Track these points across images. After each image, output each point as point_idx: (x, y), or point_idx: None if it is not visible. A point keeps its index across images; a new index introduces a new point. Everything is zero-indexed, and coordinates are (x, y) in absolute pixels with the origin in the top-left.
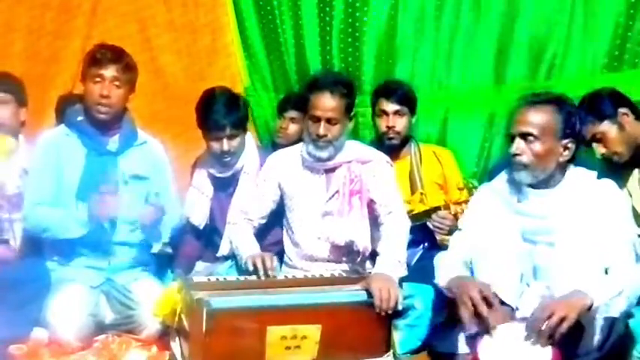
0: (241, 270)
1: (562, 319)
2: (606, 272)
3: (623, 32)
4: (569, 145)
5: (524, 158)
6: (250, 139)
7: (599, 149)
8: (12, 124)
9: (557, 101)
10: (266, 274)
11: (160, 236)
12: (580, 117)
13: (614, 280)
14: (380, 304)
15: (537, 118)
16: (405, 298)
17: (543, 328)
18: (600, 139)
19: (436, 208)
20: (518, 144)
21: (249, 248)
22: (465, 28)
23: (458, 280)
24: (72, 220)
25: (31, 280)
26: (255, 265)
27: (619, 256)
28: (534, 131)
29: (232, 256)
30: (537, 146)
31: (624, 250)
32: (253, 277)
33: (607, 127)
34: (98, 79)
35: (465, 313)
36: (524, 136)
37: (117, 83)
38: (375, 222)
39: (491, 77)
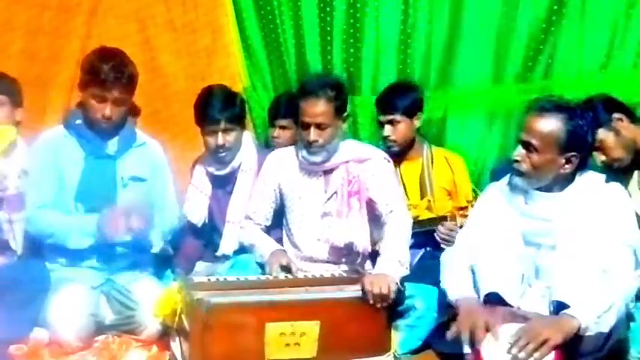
0: (247, 268)
1: (544, 341)
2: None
3: (621, 32)
4: (573, 158)
5: (522, 166)
6: (248, 137)
7: (599, 157)
8: (8, 125)
9: (570, 111)
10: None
11: (152, 243)
12: (592, 128)
13: (606, 292)
14: (372, 292)
15: (542, 128)
16: (405, 298)
17: (524, 352)
18: (598, 147)
19: (442, 218)
20: (519, 151)
21: (267, 246)
22: (465, 28)
23: (464, 303)
24: (78, 230)
25: (31, 280)
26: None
27: (616, 260)
28: (535, 142)
29: (233, 256)
30: (536, 157)
31: (622, 255)
32: (254, 277)
33: (604, 135)
34: (100, 99)
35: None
36: (526, 144)
37: (119, 102)
38: (376, 221)
39: (490, 77)
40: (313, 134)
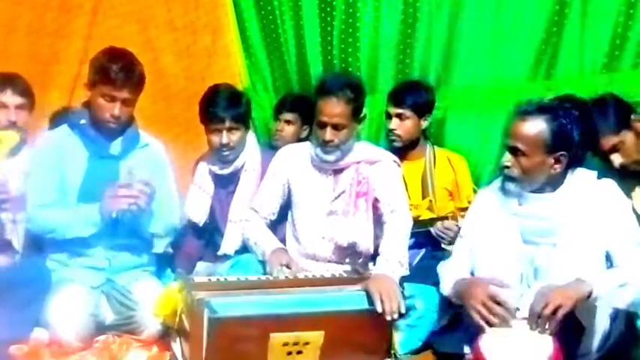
0: (247, 268)
1: (557, 307)
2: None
3: (622, 32)
4: (561, 157)
5: (513, 171)
6: (252, 138)
7: (617, 159)
8: (24, 129)
9: (552, 112)
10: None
11: (151, 218)
12: (577, 126)
13: (620, 271)
14: (383, 308)
15: (527, 132)
16: (406, 298)
17: (539, 318)
18: (618, 148)
19: (443, 218)
20: (508, 157)
21: (269, 244)
22: (465, 28)
23: (462, 284)
24: (80, 219)
25: (32, 280)
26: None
27: (627, 253)
28: (522, 146)
29: (234, 255)
30: (525, 161)
31: (633, 248)
32: (254, 277)
33: (624, 137)
34: (109, 99)
35: (479, 320)
36: (514, 149)
37: (128, 103)
38: (378, 221)
39: (490, 77)
40: (329, 134)
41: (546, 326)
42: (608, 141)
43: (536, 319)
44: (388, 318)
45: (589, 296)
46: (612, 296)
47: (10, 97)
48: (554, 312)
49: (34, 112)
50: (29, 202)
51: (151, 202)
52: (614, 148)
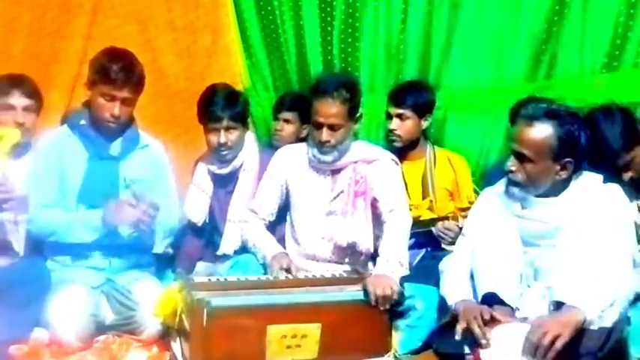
0: (247, 268)
1: (556, 337)
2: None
3: (623, 32)
4: (568, 164)
5: (518, 176)
6: (251, 137)
7: (627, 175)
8: (32, 131)
9: (559, 117)
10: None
11: (154, 234)
12: (585, 132)
13: (607, 289)
14: (375, 294)
15: (533, 138)
16: (406, 298)
17: (537, 348)
18: (630, 164)
19: (444, 218)
20: (513, 162)
21: (269, 248)
22: (465, 28)
23: (462, 304)
24: (81, 224)
25: (32, 280)
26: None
27: (615, 262)
28: (528, 153)
29: (233, 255)
30: (531, 167)
31: (621, 256)
32: (254, 277)
33: (636, 153)
34: (109, 98)
35: (459, 328)
36: (519, 155)
37: (128, 102)
38: (377, 220)
39: (490, 77)
40: (325, 134)
41: (546, 357)
42: (621, 159)
43: (534, 350)
44: (381, 308)
45: (583, 322)
46: (602, 318)
47: (18, 99)
48: (552, 342)
49: (41, 114)
50: (31, 202)
51: (154, 222)
52: (627, 166)
